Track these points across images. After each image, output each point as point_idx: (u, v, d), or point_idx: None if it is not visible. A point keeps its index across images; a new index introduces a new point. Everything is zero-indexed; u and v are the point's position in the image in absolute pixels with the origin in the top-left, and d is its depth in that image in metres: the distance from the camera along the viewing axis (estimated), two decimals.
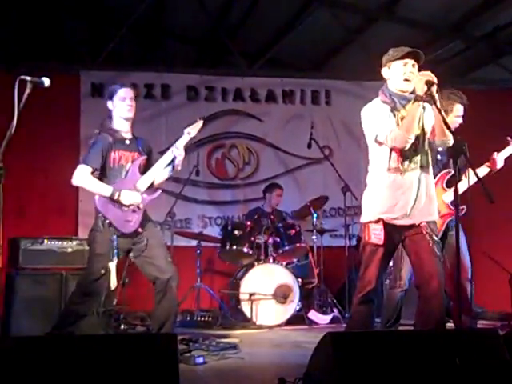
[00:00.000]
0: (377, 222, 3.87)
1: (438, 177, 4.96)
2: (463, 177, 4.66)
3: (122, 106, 4.59)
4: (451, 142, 3.77)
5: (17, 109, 3.33)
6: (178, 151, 4.62)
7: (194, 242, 7.18)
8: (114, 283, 4.46)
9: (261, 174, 8.24)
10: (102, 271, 4.42)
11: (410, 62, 3.82)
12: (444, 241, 4.83)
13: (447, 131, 3.73)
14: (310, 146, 7.37)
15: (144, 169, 4.63)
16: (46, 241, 5.75)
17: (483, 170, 5.03)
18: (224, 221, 7.78)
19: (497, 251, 6.54)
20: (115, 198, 4.42)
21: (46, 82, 3.55)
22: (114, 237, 4.42)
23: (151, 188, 4.65)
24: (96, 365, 2.71)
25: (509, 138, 5.21)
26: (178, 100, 8.13)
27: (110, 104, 4.62)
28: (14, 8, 7.85)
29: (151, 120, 7.84)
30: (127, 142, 4.62)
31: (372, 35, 8.24)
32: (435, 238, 3.85)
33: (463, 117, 5.00)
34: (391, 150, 3.83)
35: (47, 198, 7.57)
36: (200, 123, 4.75)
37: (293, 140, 8.19)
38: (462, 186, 4.64)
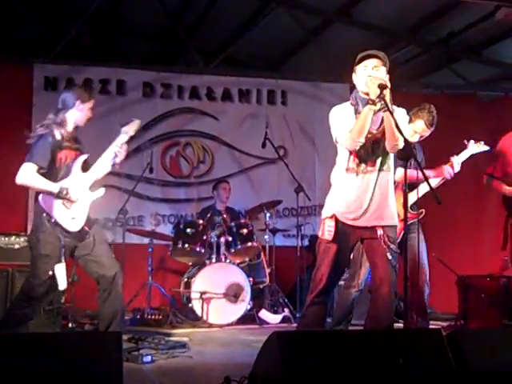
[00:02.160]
0: (330, 217, 3.91)
1: (399, 181, 4.98)
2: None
3: (85, 115, 4.56)
4: (401, 145, 3.79)
5: None
6: (116, 148, 4.57)
7: (146, 240, 7.12)
8: (64, 284, 4.35)
9: (215, 172, 8.21)
10: (50, 273, 4.31)
11: (371, 64, 3.83)
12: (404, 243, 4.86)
13: (398, 134, 3.75)
14: (264, 145, 7.38)
15: (84, 166, 4.57)
16: None
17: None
18: (177, 219, 7.73)
19: (445, 254, 6.64)
20: (63, 195, 4.34)
21: None
22: (61, 237, 4.34)
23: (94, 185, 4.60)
24: (39, 363, 2.67)
25: (466, 141, 5.28)
26: (134, 96, 8.04)
27: (76, 104, 4.51)
28: None
29: (106, 116, 7.69)
30: (73, 140, 4.55)
31: (329, 37, 8.32)
32: (389, 243, 3.86)
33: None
34: (350, 151, 3.87)
35: None
36: (137, 122, 4.71)
37: (248, 139, 8.17)
38: (423, 189, 4.71)
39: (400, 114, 3.93)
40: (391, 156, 3.92)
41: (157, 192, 8.00)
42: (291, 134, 8.38)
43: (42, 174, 4.36)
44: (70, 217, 4.41)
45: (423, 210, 5.00)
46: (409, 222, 4.92)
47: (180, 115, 8.19)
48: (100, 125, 7.21)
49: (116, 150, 4.57)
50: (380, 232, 3.85)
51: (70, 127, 4.54)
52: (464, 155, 5.24)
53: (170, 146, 8.15)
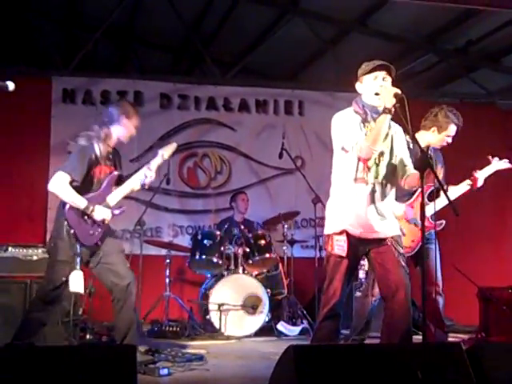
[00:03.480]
0: (340, 233, 3.85)
1: (419, 191, 4.93)
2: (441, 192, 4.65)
3: (129, 132, 4.61)
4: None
5: None
6: (150, 172, 4.62)
7: (163, 251, 7.10)
8: (76, 288, 4.35)
9: (233, 183, 8.21)
10: (63, 278, 4.35)
11: (381, 75, 3.83)
12: (419, 253, 4.82)
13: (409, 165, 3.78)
14: (281, 156, 7.34)
15: (116, 183, 4.61)
16: (10, 248, 5.63)
17: (463, 188, 5.03)
18: (195, 230, 7.71)
19: (465, 265, 6.56)
20: (88, 212, 4.37)
21: (11, 85, 3.49)
22: (78, 246, 4.36)
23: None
24: (55, 376, 2.66)
25: (490, 157, 5.20)
26: (151, 107, 8.07)
27: (121, 119, 4.56)
28: None
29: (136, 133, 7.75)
30: (110, 156, 4.60)
31: (345, 47, 8.29)
32: (400, 250, 3.85)
33: (453, 137, 5.01)
34: (358, 160, 3.82)
35: (15, 205, 7.45)
36: (174, 145, 4.78)
37: (265, 150, 8.16)
38: (442, 201, 4.65)
39: (400, 132, 3.94)
40: (396, 169, 3.90)
41: (174, 203, 8.01)
42: (308, 144, 8.36)
43: (75, 187, 4.38)
44: (89, 232, 4.44)
45: (443, 222, 4.92)
46: (426, 232, 4.87)
47: (197, 126, 8.21)
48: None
49: (148, 173, 4.60)
50: (389, 240, 3.83)
51: (112, 142, 4.58)
52: (487, 171, 5.16)
53: (188, 156, 8.16)
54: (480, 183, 5.07)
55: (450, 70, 8.75)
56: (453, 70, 8.72)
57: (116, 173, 4.60)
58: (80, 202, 4.38)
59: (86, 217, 4.41)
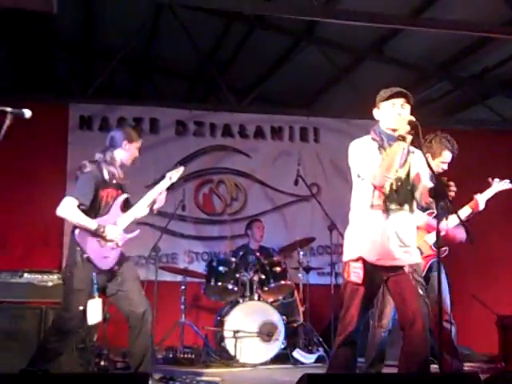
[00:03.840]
0: (356, 260, 3.83)
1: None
2: (444, 219, 4.63)
3: (132, 155, 4.67)
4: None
5: None
6: (159, 196, 4.68)
7: (179, 278, 7.09)
8: (94, 319, 4.36)
9: (248, 210, 8.21)
10: (80, 308, 4.34)
11: (399, 102, 3.84)
12: (427, 282, 4.80)
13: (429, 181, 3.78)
14: (296, 182, 7.34)
15: (124, 206, 4.62)
16: (25, 274, 5.63)
17: (465, 211, 5.01)
18: (210, 256, 7.71)
19: (484, 293, 6.49)
20: (100, 231, 4.39)
21: (27, 113, 3.52)
22: (94, 274, 4.36)
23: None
24: None
25: (490, 180, 5.20)
26: (167, 134, 8.12)
27: (123, 143, 4.62)
28: (3, 40, 7.89)
29: (139, 154, 7.80)
30: (114, 180, 4.62)
31: (360, 74, 8.34)
32: (418, 279, 3.83)
33: (449, 163, 5.00)
34: (374, 187, 3.82)
35: (32, 231, 7.49)
36: (181, 169, 4.81)
37: (281, 177, 8.17)
38: (451, 224, 4.63)
39: (420, 156, 3.92)
40: (413, 195, 3.88)
41: (190, 229, 8.02)
42: (324, 171, 8.36)
43: (82, 211, 4.41)
44: (103, 255, 4.45)
45: (446, 248, 4.91)
46: (432, 260, 4.86)
47: (212, 153, 8.24)
48: (132, 162, 7.29)
49: (157, 197, 4.65)
50: (407, 268, 3.80)
51: (117, 166, 4.62)
52: (488, 194, 5.15)
53: (203, 183, 8.18)
54: (481, 206, 5.05)
55: (465, 97, 8.76)
56: (468, 97, 8.73)
57: (124, 196, 4.62)
58: (90, 223, 4.40)
59: (98, 239, 4.42)
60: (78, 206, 4.41)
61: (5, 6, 5.97)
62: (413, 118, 3.67)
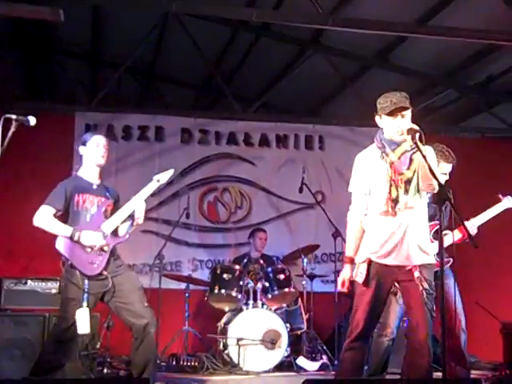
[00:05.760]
0: (363, 261, 3.91)
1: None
2: (449, 230, 4.61)
3: (95, 152, 4.62)
4: (435, 185, 3.77)
5: (0, 147, 3.32)
6: (139, 207, 4.60)
7: (183, 285, 7.10)
8: (84, 329, 4.31)
9: (253, 217, 8.22)
10: (76, 317, 4.32)
11: (399, 113, 3.85)
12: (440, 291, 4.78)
13: (432, 178, 3.74)
14: (301, 190, 7.34)
15: (111, 214, 4.60)
16: (29, 281, 5.67)
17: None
18: (214, 264, 7.71)
19: (488, 300, 6.47)
20: (75, 238, 4.37)
21: (32, 120, 3.55)
22: (86, 281, 4.35)
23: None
24: None
25: (500, 196, 5.17)
26: (172, 142, 8.15)
27: (82, 149, 4.66)
28: (10, 48, 7.95)
29: (144, 162, 7.85)
30: (94, 186, 4.62)
31: (366, 82, 8.34)
32: (425, 286, 3.82)
33: (454, 172, 4.99)
34: (383, 195, 3.88)
35: (36, 239, 7.49)
36: (171, 171, 4.78)
37: (285, 184, 8.17)
38: (448, 240, 4.59)
39: (430, 153, 3.92)
40: (423, 194, 3.92)
41: (194, 237, 8.03)
42: (329, 179, 8.36)
43: (60, 217, 4.43)
44: (88, 261, 4.40)
45: (451, 259, 4.89)
46: (434, 270, 4.83)
47: (217, 161, 8.26)
48: (138, 171, 7.35)
49: (137, 208, 4.57)
50: (417, 274, 3.82)
51: (90, 171, 4.63)
52: (497, 209, 5.12)
53: (208, 191, 8.20)
54: (472, 231, 4.96)
55: (470, 104, 8.75)
56: (473, 104, 8.72)
57: (108, 202, 4.60)
58: (64, 230, 4.40)
59: (81, 246, 4.38)
60: (55, 214, 4.43)
61: (18, 16, 6.05)
62: (413, 126, 3.69)
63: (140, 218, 4.63)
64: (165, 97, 9.56)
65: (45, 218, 4.44)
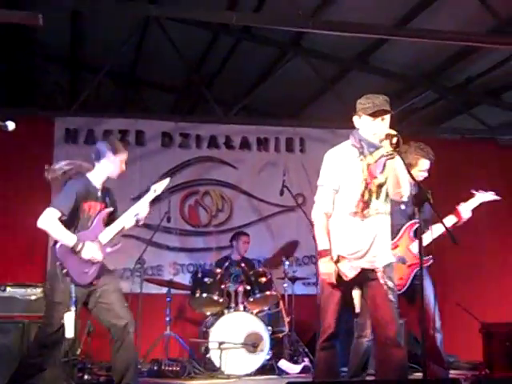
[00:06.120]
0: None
1: (405, 227, 4.98)
2: (428, 229, 4.64)
3: (118, 168, 4.59)
4: (405, 194, 3.87)
5: None
6: (141, 209, 4.61)
7: (164, 290, 7.07)
8: (71, 333, 4.29)
9: (234, 221, 8.21)
10: (62, 321, 4.29)
11: (380, 116, 3.86)
12: (412, 291, 4.81)
13: (403, 182, 3.81)
14: (282, 193, 7.34)
15: (107, 220, 4.59)
16: (8, 288, 5.60)
17: (450, 220, 5.03)
18: (195, 268, 7.69)
19: (468, 301, 6.51)
20: (77, 249, 4.33)
21: (10, 126, 3.53)
22: (72, 286, 4.32)
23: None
24: None
25: (473, 191, 5.23)
26: (153, 146, 8.12)
27: (107, 154, 4.55)
28: None
29: (125, 168, 7.80)
30: (99, 193, 4.58)
31: (346, 84, 8.36)
32: (390, 285, 3.86)
33: (429, 170, 5.03)
34: (354, 196, 3.87)
35: (15, 244, 7.46)
36: (167, 181, 4.76)
37: (266, 187, 8.16)
38: (427, 238, 4.62)
39: (400, 161, 3.92)
40: (389, 201, 3.95)
41: (175, 241, 8.01)
42: (309, 182, 8.31)
43: (64, 221, 4.36)
44: (82, 270, 4.39)
45: (431, 257, 4.91)
46: (416, 269, 4.86)
47: (198, 164, 8.25)
48: (120, 174, 7.26)
49: (140, 210, 4.59)
50: (380, 274, 3.85)
51: (101, 178, 4.58)
52: (472, 203, 5.17)
53: (189, 195, 8.18)
54: (466, 215, 5.07)
55: (450, 106, 8.80)
56: (453, 106, 8.77)
57: (107, 210, 4.58)
58: (69, 239, 4.34)
59: (78, 255, 4.36)
60: (60, 218, 4.36)
61: None
62: (391, 132, 3.70)
63: (142, 220, 4.67)
64: (145, 101, 9.53)
65: (50, 221, 4.34)
